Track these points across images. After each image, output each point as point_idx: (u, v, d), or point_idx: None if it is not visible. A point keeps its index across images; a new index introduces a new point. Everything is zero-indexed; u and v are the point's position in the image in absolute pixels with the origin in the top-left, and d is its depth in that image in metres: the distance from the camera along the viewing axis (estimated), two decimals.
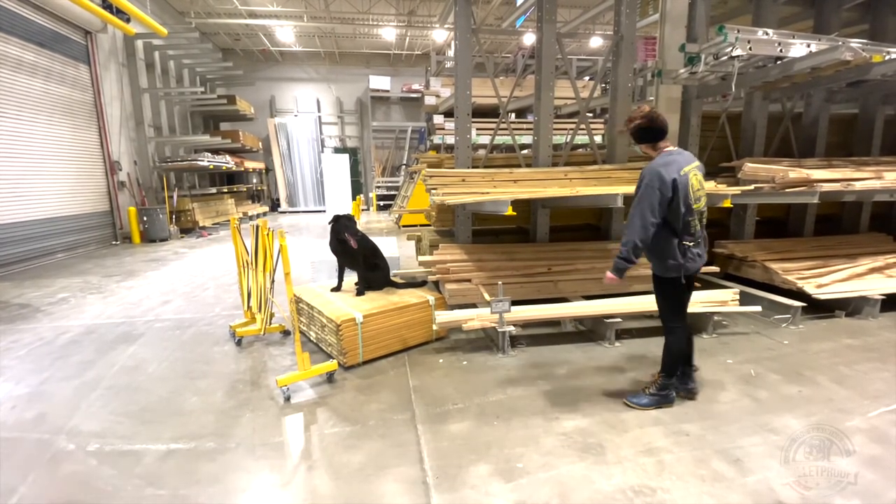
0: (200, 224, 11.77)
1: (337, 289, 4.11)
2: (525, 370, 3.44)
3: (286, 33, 15.58)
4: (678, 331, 2.82)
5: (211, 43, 16.27)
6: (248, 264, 3.95)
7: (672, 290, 2.81)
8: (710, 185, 4.26)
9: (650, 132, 2.68)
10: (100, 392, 3.22)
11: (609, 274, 2.74)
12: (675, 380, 2.87)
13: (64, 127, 8.90)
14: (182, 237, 10.96)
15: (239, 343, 4.02)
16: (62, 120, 8.86)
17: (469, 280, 4.40)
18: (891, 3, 5.68)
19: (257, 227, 3.60)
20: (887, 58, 4.32)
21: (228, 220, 8.52)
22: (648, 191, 2.56)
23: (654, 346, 3.83)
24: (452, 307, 4.12)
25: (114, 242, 10.12)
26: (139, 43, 11.09)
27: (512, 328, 3.70)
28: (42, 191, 8.29)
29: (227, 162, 13.21)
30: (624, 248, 2.64)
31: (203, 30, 15.27)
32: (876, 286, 4.54)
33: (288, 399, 3.03)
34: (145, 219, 10.13)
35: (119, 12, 9.14)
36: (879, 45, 4.52)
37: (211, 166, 12.12)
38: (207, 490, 2.22)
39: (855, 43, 4.36)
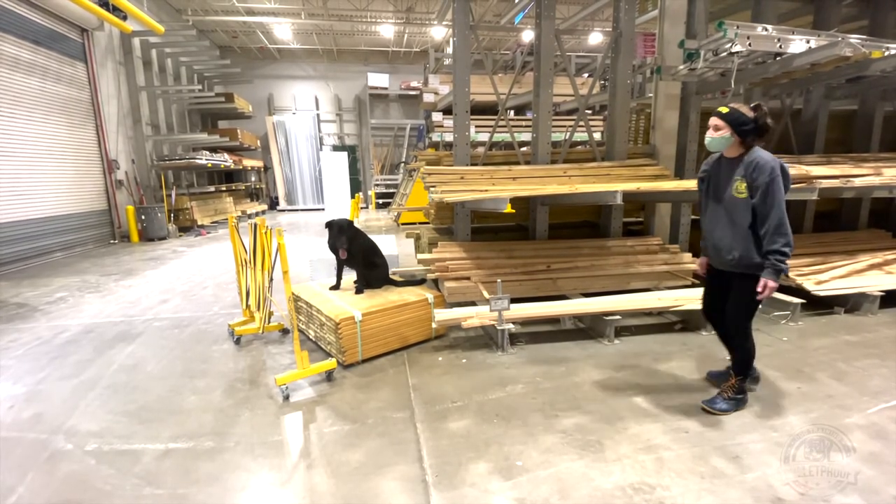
0: (199, 222, 11.75)
1: (336, 287, 4.10)
2: (524, 368, 3.43)
3: (284, 31, 15.53)
4: (751, 333, 2.72)
5: (208, 40, 16.19)
6: (246, 263, 3.94)
7: None
8: None
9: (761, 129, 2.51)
10: (98, 391, 3.21)
11: (771, 283, 2.42)
12: (749, 380, 2.84)
13: (61, 125, 8.87)
14: (181, 236, 10.94)
15: (238, 342, 4.01)
16: (59, 118, 8.82)
17: (468, 278, 4.39)
18: None
19: (255, 225, 3.59)
20: (886, 53, 4.30)
21: (227, 219, 8.49)
22: (776, 186, 2.39)
23: (653, 344, 3.83)
24: (451, 305, 4.12)
25: (112, 241, 10.09)
26: (136, 41, 11.03)
27: (511, 326, 3.70)
28: (39, 190, 8.26)
29: (226, 160, 13.17)
30: (787, 249, 2.39)
31: (200, 27, 15.20)
32: (875, 283, 4.54)
33: (287, 398, 3.02)
34: (143, 217, 10.11)
35: (116, 10, 9.11)
36: (879, 40, 4.50)
37: (209, 164, 12.08)
38: (206, 489, 2.22)
39: (854, 39, 4.34)
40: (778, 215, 2.39)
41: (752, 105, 2.49)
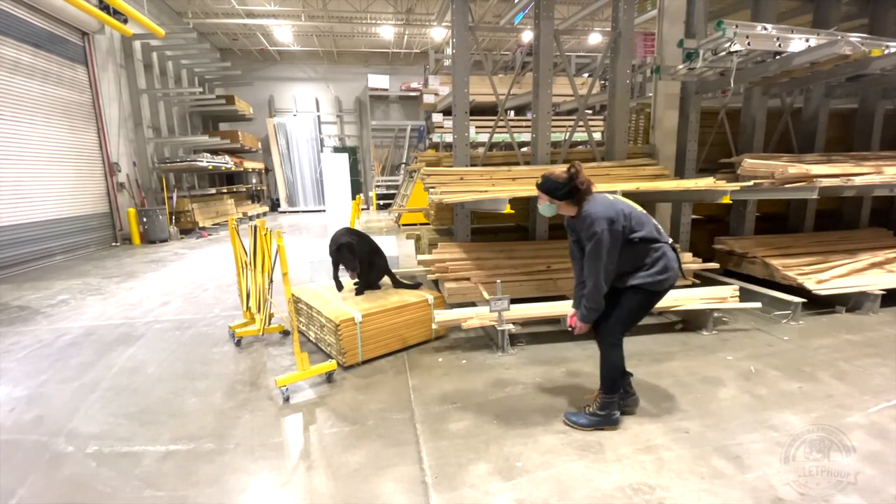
0: (200, 225, 11.78)
1: (339, 288, 4.09)
2: (524, 368, 3.43)
3: (284, 33, 15.56)
4: (621, 345, 2.60)
5: (209, 43, 16.24)
6: (246, 265, 3.95)
7: (654, 303, 2.63)
8: (710, 182, 4.24)
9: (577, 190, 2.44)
10: (99, 394, 3.22)
11: (580, 324, 2.54)
12: (617, 397, 2.60)
13: (62, 128, 8.89)
14: (182, 238, 10.96)
15: (238, 344, 4.02)
16: (60, 121, 8.85)
17: (468, 278, 4.39)
18: None
19: (255, 227, 3.59)
20: (886, 52, 4.29)
21: (228, 221, 8.44)
22: (597, 245, 2.37)
23: (654, 344, 3.83)
24: (452, 306, 4.12)
25: (113, 244, 10.12)
26: (137, 44, 11.07)
27: (511, 326, 3.70)
28: (41, 193, 8.29)
29: (227, 162, 13.20)
30: (593, 307, 2.46)
31: (201, 30, 15.25)
32: (876, 281, 4.53)
33: (287, 399, 3.02)
34: (145, 220, 10.13)
35: (116, 13, 9.13)
36: (878, 39, 4.49)
37: (210, 167, 12.11)
38: (206, 491, 2.22)
39: (854, 37, 4.33)
40: (595, 273, 2.39)
41: (567, 167, 2.45)
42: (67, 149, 9.02)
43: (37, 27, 8.34)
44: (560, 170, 2.48)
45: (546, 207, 2.56)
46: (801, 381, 3.13)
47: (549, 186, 2.48)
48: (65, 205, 8.86)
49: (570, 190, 2.42)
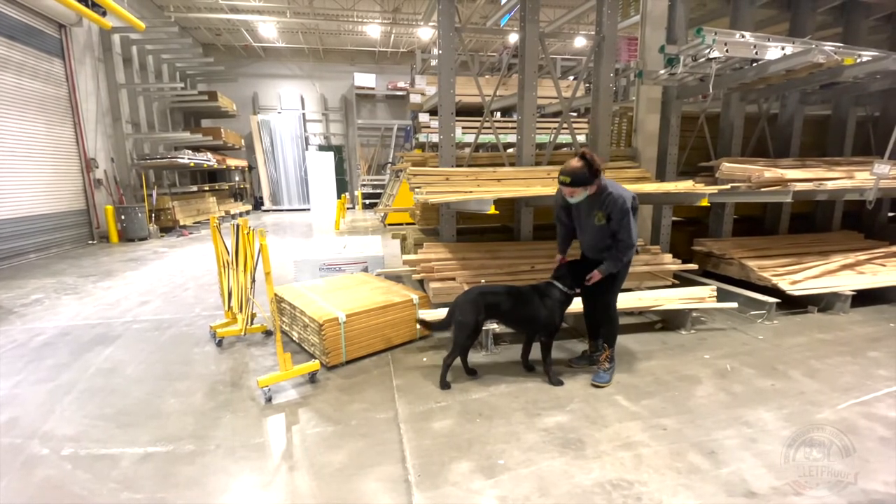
0: (181, 223, 11.55)
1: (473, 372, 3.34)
2: (508, 367, 3.46)
3: (269, 29, 15.38)
4: (616, 305, 3.23)
5: (191, 38, 15.95)
6: (228, 264, 3.90)
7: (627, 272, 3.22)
8: (689, 185, 4.34)
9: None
10: (75, 395, 3.15)
11: (599, 273, 2.99)
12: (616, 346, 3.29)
13: (37, 123, 8.64)
14: (162, 236, 10.75)
15: (219, 344, 3.97)
16: (35, 116, 8.60)
17: (453, 278, 4.41)
18: (863, 7, 5.86)
19: (238, 226, 3.55)
20: (858, 60, 4.45)
21: (210, 219, 8.27)
22: (629, 219, 2.86)
23: (634, 343, 3.90)
24: (437, 306, 4.13)
25: (90, 242, 9.87)
26: (116, 37, 10.81)
27: (495, 326, 3.72)
28: (14, 189, 8.04)
29: (209, 159, 12.96)
30: (630, 253, 2.96)
31: (183, 24, 14.96)
32: (847, 282, 4.69)
33: (269, 400, 3.00)
34: (123, 217, 9.91)
35: (94, 5, 8.89)
36: (851, 48, 4.65)
37: (192, 164, 11.88)
38: (186, 493, 2.19)
39: (828, 46, 4.48)
40: (628, 236, 2.87)
41: (578, 155, 2.82)
42: (42, 144, 8.77)
43: (11, 18, 8.09)
44: (574, 162, 2.81)
45: (580, 198, 2.91)
46: (775, 379, 3.22)
47: (580, 178, 2.81)
48: (39, 201, 8.61)
49: (594, 172, 2.80)
